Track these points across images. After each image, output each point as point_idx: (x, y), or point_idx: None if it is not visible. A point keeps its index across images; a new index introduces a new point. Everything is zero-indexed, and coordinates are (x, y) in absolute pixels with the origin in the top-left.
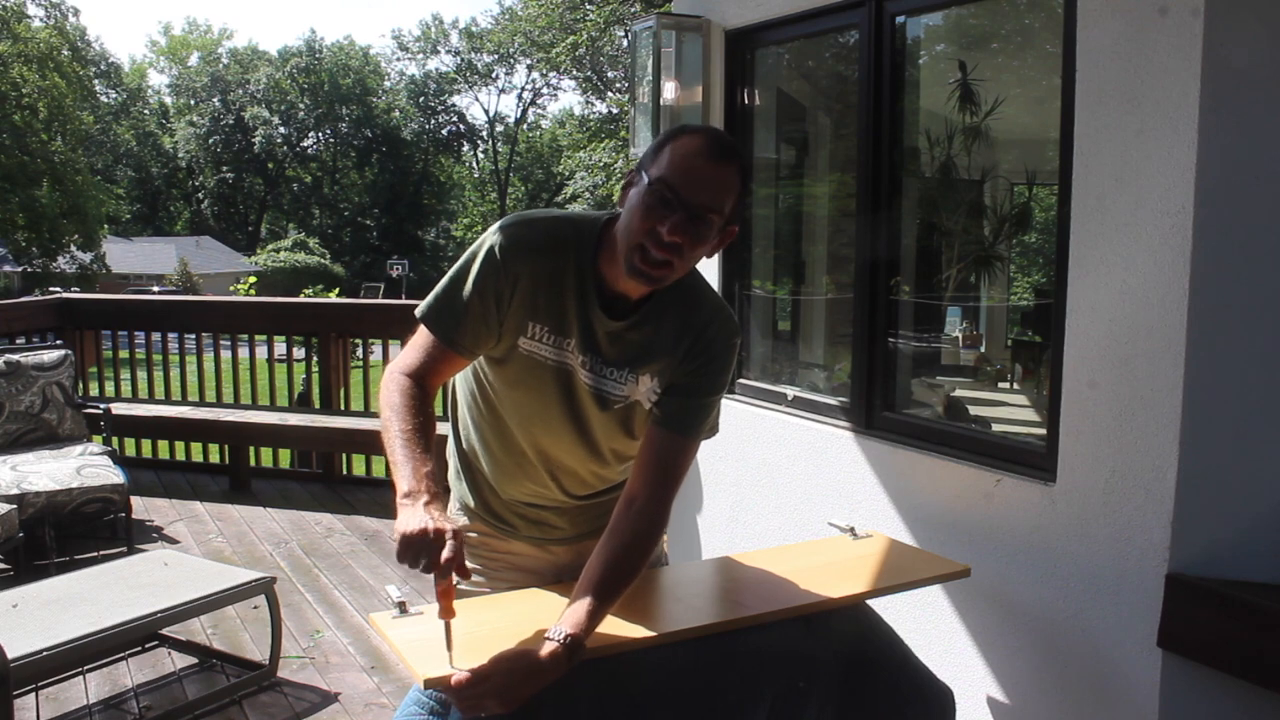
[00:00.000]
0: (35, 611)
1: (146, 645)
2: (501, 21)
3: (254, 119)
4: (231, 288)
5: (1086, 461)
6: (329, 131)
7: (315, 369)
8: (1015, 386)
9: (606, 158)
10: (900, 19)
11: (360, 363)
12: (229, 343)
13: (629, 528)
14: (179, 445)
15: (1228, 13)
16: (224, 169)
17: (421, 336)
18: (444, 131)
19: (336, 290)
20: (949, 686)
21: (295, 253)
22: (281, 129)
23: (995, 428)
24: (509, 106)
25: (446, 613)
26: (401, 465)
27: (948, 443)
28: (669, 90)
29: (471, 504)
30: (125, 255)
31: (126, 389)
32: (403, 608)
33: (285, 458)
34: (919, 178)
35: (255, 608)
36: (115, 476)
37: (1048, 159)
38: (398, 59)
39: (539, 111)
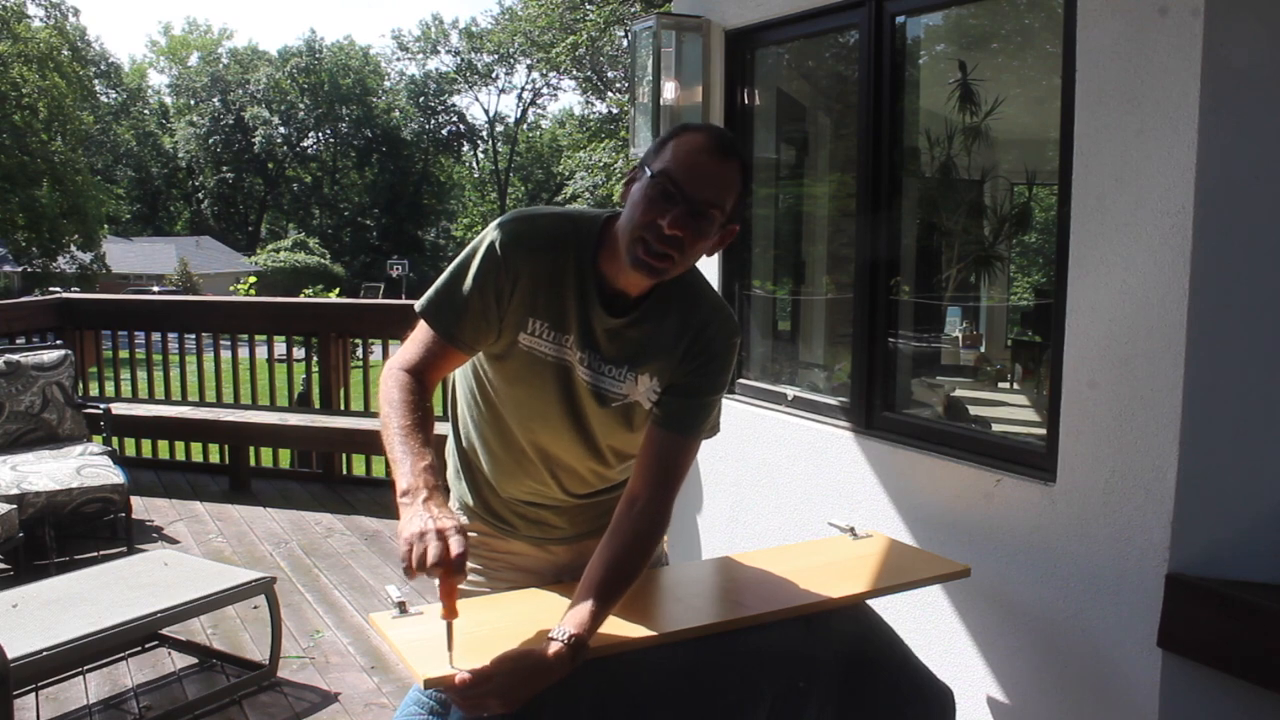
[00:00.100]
0: (35, 611)
1: (146, 645)
2: (501, 21)
3: (254, 119)
4: (231, 288)
5: (1086, 461)
6: (329, 131)
7: (315, 369)
8: (1015, 386)
9: (606, 158)
10: (900, 19)
11: (360, 362)
12: (229, 343)
13: (630, 528)
14: (179, 445)
15: (1228, 13)
16: (224, 169)
17: (421, 331)
18: (444, 131)
19: (336, 290)
20: (949, 686)
21: (295, 253)
22: (281, 129)
23: (995, 428)
24: (509, 106)
25: (450, 613)
26: (400, 462)
27: (948, 443)
28: (669, 90)
29: (471, 503)
30: (125, 255)
31: (126, 389)
32: (403, 608)
33: (285, 458)
34: (919, 178)
35: (255, 608)
36: (115, 476)
37: (1048, 159)
38: (398, 59)
39: (539, 111)
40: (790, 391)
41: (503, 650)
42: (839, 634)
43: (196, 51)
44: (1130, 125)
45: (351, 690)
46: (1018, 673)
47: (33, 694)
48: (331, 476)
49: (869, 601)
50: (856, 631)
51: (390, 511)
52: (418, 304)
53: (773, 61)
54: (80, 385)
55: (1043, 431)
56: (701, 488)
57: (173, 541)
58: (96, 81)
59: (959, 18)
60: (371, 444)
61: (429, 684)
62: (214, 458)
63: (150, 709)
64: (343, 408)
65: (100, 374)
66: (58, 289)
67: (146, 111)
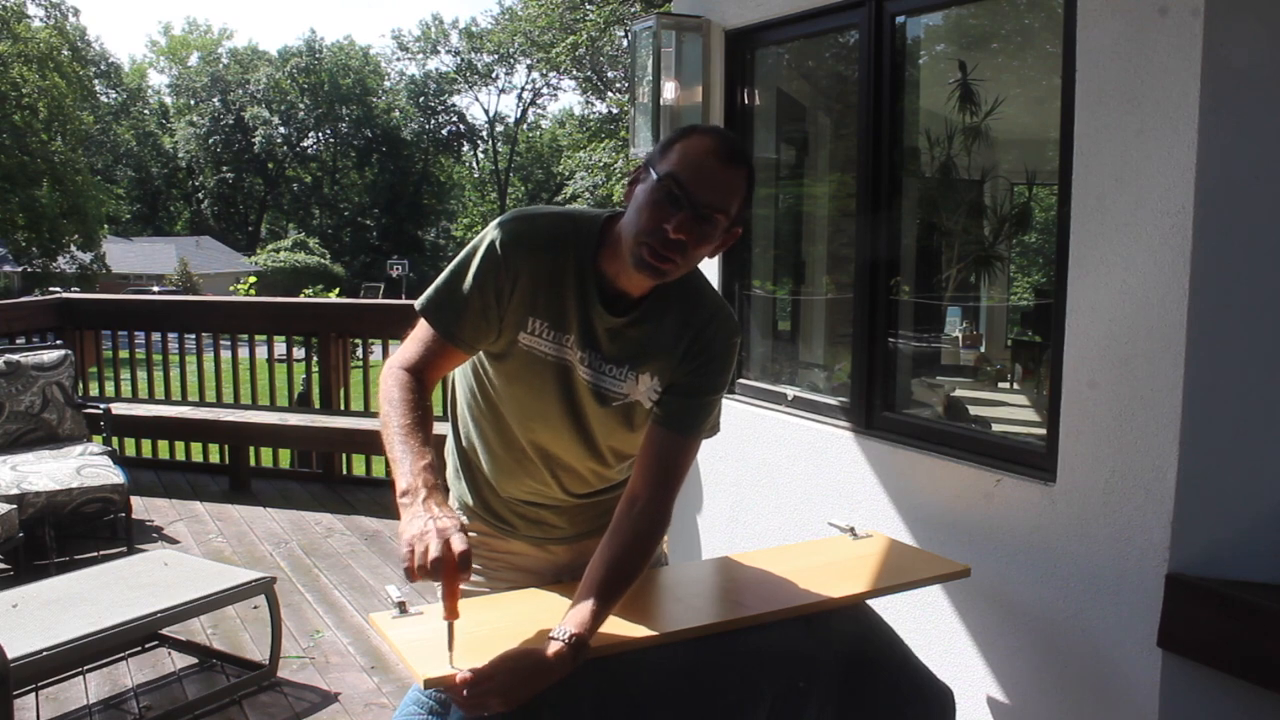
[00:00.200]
0: (35, 611)
1: (146, 645)
2: (501, 21)
3: (254, 119)
4: (231, 288)
5: (1086, 461)
6: (329, 131)
7: (315, 369)
8: (1015, 386)
9: (606, 158)
10: (900, 19)
11: (360, 362)
12: (229, 343)
13: (630, 528)
14: (179, 445)
15: (1228, 13)
16: (224, 169)
17: (421, 330)
18: (444, 131)
19: (336, 290)
20: (949, 686)
21: (295, 253)
22: (281, 129)
23: (995, 428)
24: (509, 106)
25: (451, 614)
26: (400, 461)
27: (948, 443)
28: (669, 90)
29: (470, 502)
30: (125, 255)
31: (126, 389)
32: (403, 608)
33: (285, 458)
34: (919, 178)
35: (255, 608)
36: (115, 476)
37: (1048, 159)
38: (398, 59)
39: (539, 111)
40: (790, 391)
41: (503, 650)
42: (839, 634)
43: (196, 51)
44: (1130, 125)
45: (351, 690)
46: (1018, 673)
47: (33, 694)
48: (331, 476)
49: (869, 601)
50: (856, 631)
51: (390, 511)
52: (418, 302)
53: (773, 61)
54: (80, 385)
55: (1043, 431)
56: (701, 488)
57: (173, 541)
58: (96, 81)
59: (959, 18)
60: (371, 444)
61: (429, 684)
62: (214, 458)
63: (150, 709)
64: (343, 408)
65: (100, 374)
66: (58, 289)
67: (146, 111)
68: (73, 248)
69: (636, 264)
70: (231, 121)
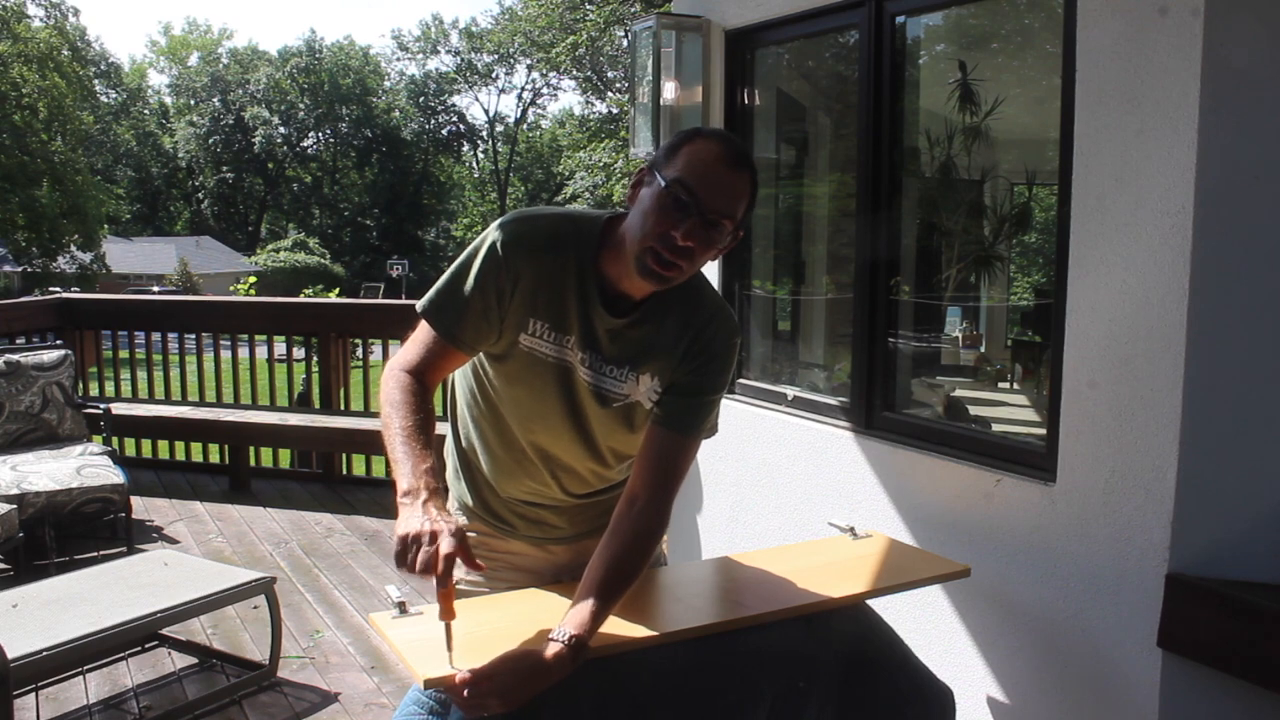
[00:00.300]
0: (35, 611)
1: (146, 645)
2: (501, 21)
3: (254, 119)
4: (231, 288)
5: (1086, 461)
6: (329, 131)
7: (315, 369)
8: (1015, 386)
9: (606, 158)
10: (900, 19)
11: (360, 363)
12: (229, 343)
13: (630, 528)
14: (179, 445)
15: (1228, 13)
16: (224, 169)
17: (422, 332)
18: (444, 131)
19: (336, 290)
20: (949, 686)
21: (295, 253)
22: (281, 129)
23: (995, 428)
24: (509, 106)
25: (447, 614)
26: (401, 463)
27: (948, 443)
28: (669, 90)
29: (470, 503)
30: (125, 255)
31: (126, 389)
32: (403, 608)
33: (285, 458)
34: (919, 178)
35: (255, 608)
36: (115, 476)
37: (1048, 159)
38: (398, 59)
39: (539, 111)
40: (790, 391)
41: (503, 650)
42: (839, 634)
43: (196, 51)
44: (1130, 125)
45: (351, 690)
46: (1018, 673)
47: (33, 694)
48: (331, 476)
49: (869, 601)
50: (856, 631)
51: (390, 512)
52: (419, 304)
53: (773, 61)
54: (80, 385)
55: (1043, 431)
56: (701, 488)
57: (173, 541)
58: (96, 81)
59: (959, 18)
60: (371, 444)
61: (429, 684)
62: (214, 458)
63: (150, 709)
64: (343, 408)
65: (100, 374)
66: (58, 289)
67: (146, 111)
68: (73, 248)
69: (641, 271)
70: (231, 121)
